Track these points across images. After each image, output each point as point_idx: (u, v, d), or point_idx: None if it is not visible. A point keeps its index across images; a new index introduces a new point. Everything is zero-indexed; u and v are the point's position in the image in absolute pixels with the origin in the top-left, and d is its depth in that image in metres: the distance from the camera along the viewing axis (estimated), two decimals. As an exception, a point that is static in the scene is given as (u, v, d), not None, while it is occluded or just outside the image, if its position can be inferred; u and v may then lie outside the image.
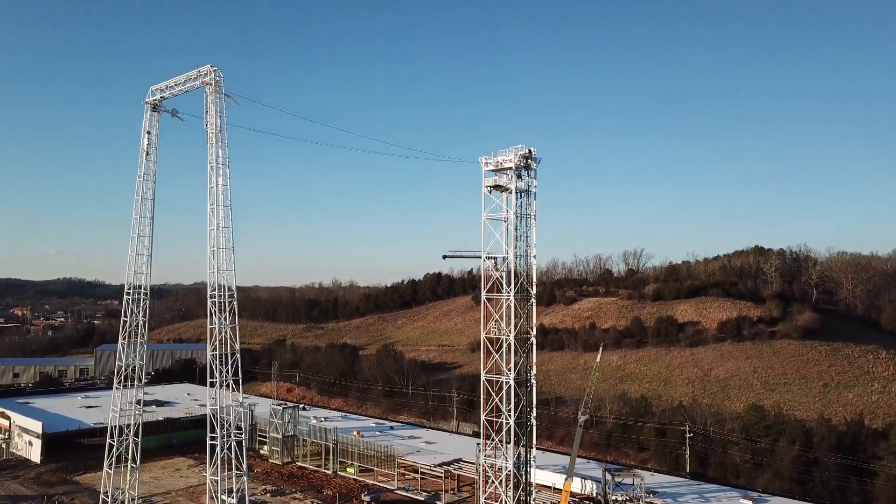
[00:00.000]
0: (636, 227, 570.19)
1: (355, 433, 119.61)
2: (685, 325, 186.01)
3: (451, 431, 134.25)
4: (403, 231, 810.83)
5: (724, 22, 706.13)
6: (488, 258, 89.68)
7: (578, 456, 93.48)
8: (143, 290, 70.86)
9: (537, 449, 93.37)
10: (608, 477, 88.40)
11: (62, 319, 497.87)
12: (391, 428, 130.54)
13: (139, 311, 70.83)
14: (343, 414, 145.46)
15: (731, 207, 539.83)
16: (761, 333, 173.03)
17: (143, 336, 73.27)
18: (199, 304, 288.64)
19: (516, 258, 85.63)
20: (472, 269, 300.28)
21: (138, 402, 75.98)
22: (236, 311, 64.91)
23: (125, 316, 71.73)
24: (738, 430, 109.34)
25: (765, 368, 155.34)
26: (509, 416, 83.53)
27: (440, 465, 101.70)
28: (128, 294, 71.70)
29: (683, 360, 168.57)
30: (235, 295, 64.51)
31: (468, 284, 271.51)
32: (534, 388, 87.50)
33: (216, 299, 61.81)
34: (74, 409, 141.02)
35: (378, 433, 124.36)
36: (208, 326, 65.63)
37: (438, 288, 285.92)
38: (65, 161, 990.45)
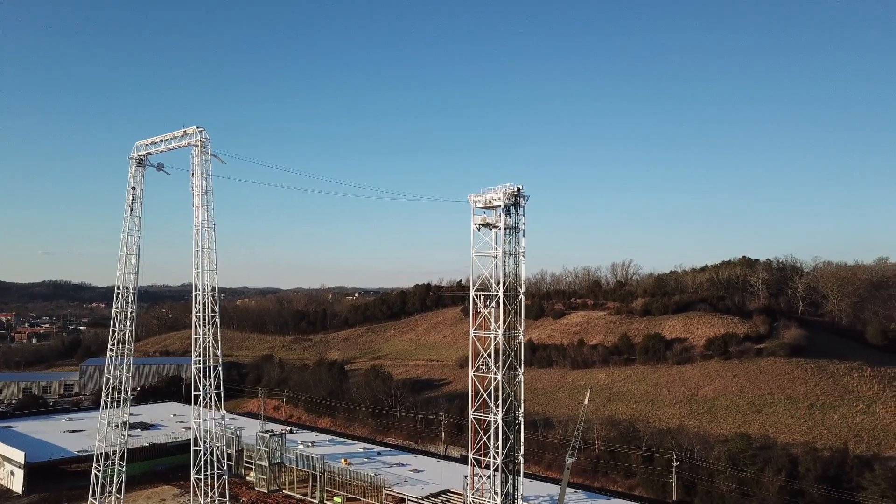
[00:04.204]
0: (625, 236, 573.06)
1: (343, 461, 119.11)
2: (673, 341, 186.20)
3: (439, 456, 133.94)
4: (395, 237, 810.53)
5: (711, 30, 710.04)
6: (478, 293, 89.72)
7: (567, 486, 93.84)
8: (129, 316, 70.53)
9: (525, 476, 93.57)
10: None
11: (47, 325, 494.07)
12: (378, 454, 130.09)
13: (125, 351, 70.48)
14: (330, 438, 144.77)
15: (719, 216, 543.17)
16: (748, 351, 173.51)
17: (129, 361, 73.11)
18: (186, 312, 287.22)
19: (505, 296, 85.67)
20: (461, 280, 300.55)
21: (124, 425, 76.13)
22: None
23: (112, 346, 71.18)
24: (725, 459, 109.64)
25: (751, 388, 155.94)
26: (497, 454, 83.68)
27: (427, 498, 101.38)
28: (114, 328, 71.44)
29: (671, 379, 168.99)
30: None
31: (458, 296, 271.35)
32: (522, 427, 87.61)
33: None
34: (58, 433, 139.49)
35: (365, 460, 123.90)
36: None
37: (427, 299, 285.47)
38: (52, 161, 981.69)
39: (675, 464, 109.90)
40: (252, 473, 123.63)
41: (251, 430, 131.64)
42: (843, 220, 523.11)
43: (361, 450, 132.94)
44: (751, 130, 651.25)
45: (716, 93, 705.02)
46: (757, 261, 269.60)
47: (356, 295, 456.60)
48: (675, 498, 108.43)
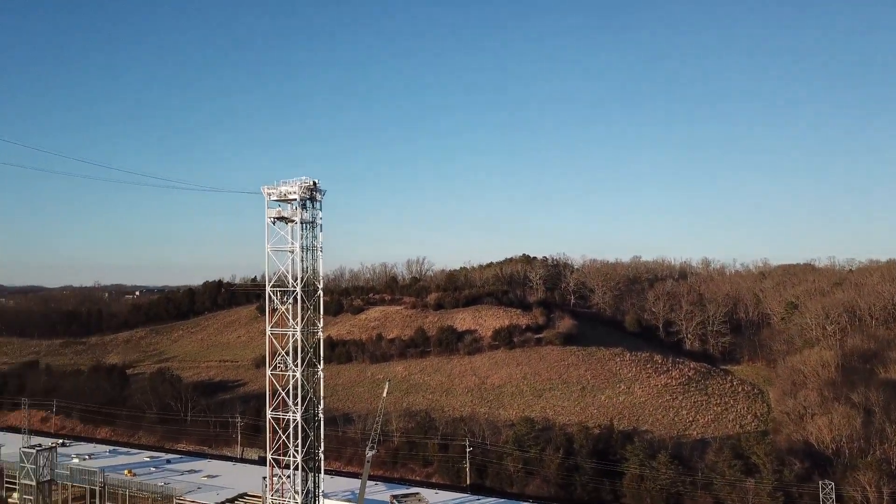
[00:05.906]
0: (420, 235, 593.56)
1: (126, 472, 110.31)
2: (464, 333, 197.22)
3: (236, 459, 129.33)
4: (181, 231, 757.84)
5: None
6: (275, 289, 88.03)
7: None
8: None
9: (326, 473, 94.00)
10: None
11: None
12: (168, 462, 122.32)
13: None
14: (112, 448, 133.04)
15: (501, 217, 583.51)
16: (529, 341, 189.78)
17: None
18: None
19: (303, 292, 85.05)
20: (256, 277, 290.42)
21: None
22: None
23: None
24: (512, 441, 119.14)
25: (533, 374, 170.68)
26: (297, 453, 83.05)
27: (224, 503, 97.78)
28: None
29: (463, 369, 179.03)
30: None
31: (252, 294, 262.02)
32: (322, 423, 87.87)
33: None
34: None
35: (153, 469, 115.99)
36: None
37: (219, 297, 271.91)
38: None
39: (468, 449, 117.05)
40: (16, 495, 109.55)
41: (13, 446, 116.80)
42: (604, 223, 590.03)
43: (148, 459, 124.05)
44: (521, 138, 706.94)
45: (496, 99, 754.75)
46: (535, 258, 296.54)
47: (137, 293, 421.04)
48: (468, 481, 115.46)
